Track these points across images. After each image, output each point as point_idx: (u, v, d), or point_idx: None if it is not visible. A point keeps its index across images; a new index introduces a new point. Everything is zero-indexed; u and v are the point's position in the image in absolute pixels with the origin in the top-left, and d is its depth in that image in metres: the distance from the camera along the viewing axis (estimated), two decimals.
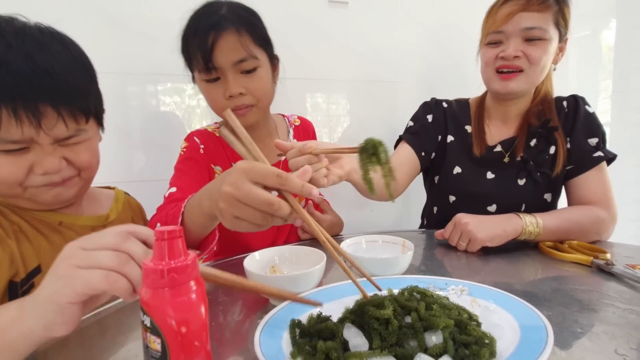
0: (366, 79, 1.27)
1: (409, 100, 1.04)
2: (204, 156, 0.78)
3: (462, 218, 0.72)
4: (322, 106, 1.24)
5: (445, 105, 0.98)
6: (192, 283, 0.28)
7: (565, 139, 0.83)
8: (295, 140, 0.90)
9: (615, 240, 0.77)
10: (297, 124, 0.93)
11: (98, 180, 0.65)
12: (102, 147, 0.61)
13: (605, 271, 0.59)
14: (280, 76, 0.83)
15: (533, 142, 0.86)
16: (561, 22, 0.79)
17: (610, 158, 0.81)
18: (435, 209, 0.99)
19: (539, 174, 0.84)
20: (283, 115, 0.93)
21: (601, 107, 1.75)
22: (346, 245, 0.62)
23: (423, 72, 1.31)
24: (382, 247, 0.63)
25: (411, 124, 0.98)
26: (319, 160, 0.56)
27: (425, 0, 1.28)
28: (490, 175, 0.89)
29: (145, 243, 0.37)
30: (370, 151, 0.48)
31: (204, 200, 0.50)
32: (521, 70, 0.79)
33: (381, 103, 1.30)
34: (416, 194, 1.13)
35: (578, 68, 1.67)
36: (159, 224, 0.58)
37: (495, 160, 0.88)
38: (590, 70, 1.72)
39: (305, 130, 0.94)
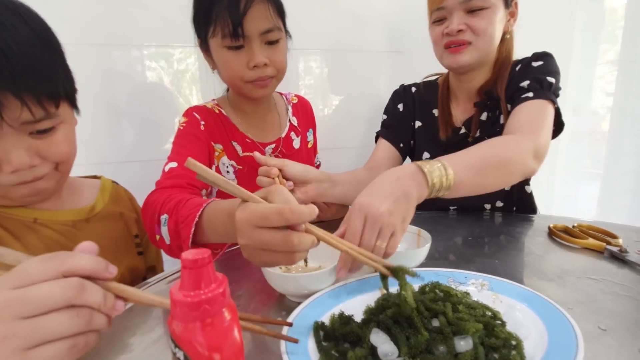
0: (372, 49, 1.20)
1: (415, 71, 0.99)
2: (204, 132, 0.74)
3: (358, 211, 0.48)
4: (324, 78, 1.18)
5: (413, 90, 0.96)
6: (225, 310, 0.26)
7: (506, 105, 0.80)
8: (294, 118, 0.89)
9: (612, 211, 0.76)
10: (294, 101, 0.92)
11: (83, 162, 0.60)
12: (87, 126, 0.55)
13: (619, 258, 0.59)
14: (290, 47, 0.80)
15: (484, 116, 0.84)
16: None
17: (553, 105, 0.71)
18: None
19: None
20: (280, 93, 0.92)
21: (599, 73, 1.70)
22: None
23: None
24: None
25: (385, 117, 0.98)
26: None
27: None
28: None
29: (89, 277, 0.29)
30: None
31: (219, 227, 0.48)
32: (469, 43, 0.76)
33: (387, 75, 1.24)
34: None
35: (583, 29, 1.61)
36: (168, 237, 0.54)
37: (460, 142, 0.87)
38: (593, 34, 1.64)
39: (303, 108, 0.93)
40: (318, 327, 0.41)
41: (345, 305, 0.46)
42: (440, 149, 0.89)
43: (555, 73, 0.76)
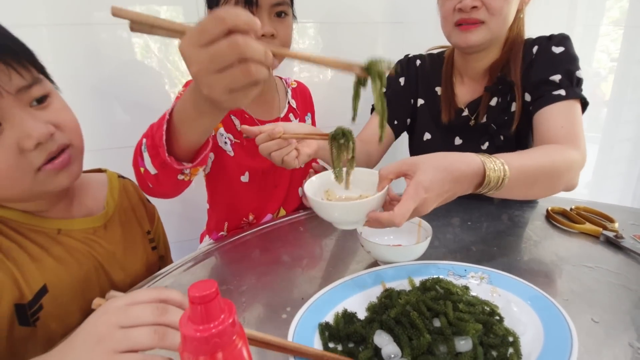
0: (369, 20, 1.14)
1: (417, 44, 0.95)
2: None
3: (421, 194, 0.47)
4: (318, 52, 1.12)
5: (418, 63, 0.91)
6: (235, 337, 0.27)
7: (523, 92, 0.76)
8: (294, 100, 0.89)
9: (607, 178, 0.75)
10: (293, 86, 0.92)
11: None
12: (80, 111, 0.53)
13: (615, 244, 0.61)
14: None
15: (494, 102, 0.80)
16: None
17: (581, 101, 0.70)
18: None
19: (502, 137, 0.79)
20: (280, 78, 0.92)
21: (603, 32, 1.64)
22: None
23: (431, 11, 1.18)
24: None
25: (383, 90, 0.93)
26: (289, 143, 0.59)
27: None
28: (458, 141, 0.86)
29: (180, 306, 0.36)
30: (340, 139, 0.52)
31: (187, 94, 0.44)
32: (482, 22, 0.71)
33: (386, 48, 1.19)
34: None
35: None
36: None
37: (462, 124, 0.84)
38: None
39: (302, 93, 0.93)
40: (323, 329, 0.42)
41: (348, 303, 0.47)
42: (441, 131, 0.87)
43: (578, 61, 0.73)
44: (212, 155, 0.77)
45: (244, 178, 0.81)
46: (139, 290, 0.36)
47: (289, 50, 0.61)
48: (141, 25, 0.35)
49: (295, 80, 0.94)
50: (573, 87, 0.70)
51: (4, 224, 0.49)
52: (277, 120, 0.84)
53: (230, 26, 0.33)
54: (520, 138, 0.79)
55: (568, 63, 0.72)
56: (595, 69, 1.68)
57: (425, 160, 0.49)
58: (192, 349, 0.25)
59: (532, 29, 0.80)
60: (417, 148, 0.93)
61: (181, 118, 0.47)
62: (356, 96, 0.48)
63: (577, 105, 0.70)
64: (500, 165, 0.51)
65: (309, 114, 0.93)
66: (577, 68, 0.71)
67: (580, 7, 1.55)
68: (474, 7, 0.70)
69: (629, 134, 1.90)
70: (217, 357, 0.26)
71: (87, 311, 0.36)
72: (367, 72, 0.43)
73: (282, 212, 0.88)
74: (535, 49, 0.76)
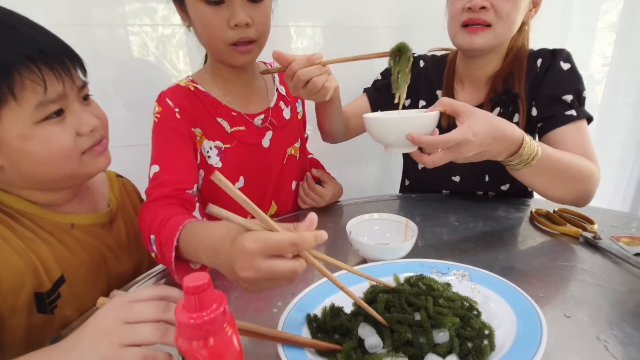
0: (372, 25, 1.16)
1: (421, 50, 0.97)
2: (181, 121, 0.68)
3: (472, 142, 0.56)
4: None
5: (422, 64, 0.92)
6: (225, 325, 0.29)
7: (528, 105, 0.78)
8: (282, 87, 0.84)
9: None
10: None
11: None
12: None
13: (592, 245, 0.64)
14: (274, 24, 0.74)
15: (496, 112, 0.81)
16: None
17: (586, 119, 0.74)
18: (408, 171, 1.01)
19: None
20: (265, 63, 0.86)
21: (598, 44, 1.67)
22: (352, 225, 0.64)
23: (431, 17, 1.20)
24: (386, 225, 0.65)
25: (379, 77, 0.95)
26: (326, 71, 0.62)
27: None
28: None
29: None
30: (396, 53, 0.61)
31: (202, 257, 0.48)
32: (488, 25, 0.73)
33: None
34: None
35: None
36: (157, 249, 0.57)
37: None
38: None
39: None
40: (311, 320, 0.45)
41: (336, 298, 0.50)
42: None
43: (582, 79, 0.76)
44: (202, 172, 0.73)
45: (238, 184, 0.77)
46: (142, 288, 0.39)
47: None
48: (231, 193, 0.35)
49: None
50: (582, 106, 0.74)
51: (24, 216, 0.53)
52: (267, 111, 0.79)
53: (301, 251, 0.37)
54: None
55: (577, 82, 0.75)
56: (591, 72, 1.72)
57: (479, 112, 0.57)
58: (186, 334, 0.28)
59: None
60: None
61: (187, 253, 0.51)
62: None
63: (586, 124, 0.74)
64: (535, 145, 0.60)
65: (299, 101, 0.89)
66: (584, 88, 0.75)
67: (575, 12, 1.57)
68: (483, 8, 0.71)
69: (619, 137, 1.94)
70: (208, 342, 0.28)
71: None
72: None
73: (274, 206, 0.85)
74: (539, 62, 0.78)
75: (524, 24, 0.77)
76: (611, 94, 1.77)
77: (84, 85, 0.55)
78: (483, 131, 0.55)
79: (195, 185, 0.68)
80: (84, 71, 0.55)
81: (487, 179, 0.86)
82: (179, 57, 1.02)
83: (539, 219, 0.73)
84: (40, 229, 0.53)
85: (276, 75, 0.84)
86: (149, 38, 0.97)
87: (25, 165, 0.49)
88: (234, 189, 0.34)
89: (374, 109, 0.92)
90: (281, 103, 0.82)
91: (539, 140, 0.77)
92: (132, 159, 0.83)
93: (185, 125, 0.69)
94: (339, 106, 0.80)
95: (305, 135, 0.96)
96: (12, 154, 0.48)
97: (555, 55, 0.77)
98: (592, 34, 1.63)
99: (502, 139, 0.57)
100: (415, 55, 0.93)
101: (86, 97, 0.56)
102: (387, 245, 0.58)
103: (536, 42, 0.82)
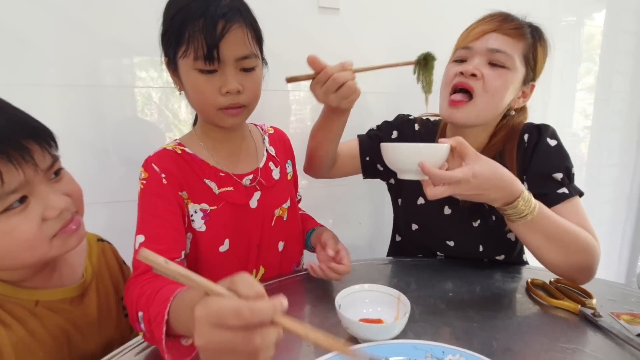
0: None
1: (403, 112, 1.01)
2: (167, 187, 0.67)
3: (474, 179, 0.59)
4: (308, 119, 1.19)
5: (416, 127, 0.94)
6: None
7: (520, 180, 0.74)
8: (272, 147, 0.85)
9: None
10: (270, 132, 0.88)
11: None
12: (78, 166, 0.58)
13: (592, 322, 0.61)
14: (265, 87, 0.76)
15: None
16: (531, 60, 0.75)
17: (578, 194, 0.74)
18: (400, 231, 0.99)
19: (494, 217, 0.81)
20: (255, 124, 0.88)
21: (578, 104, 1.75)
22: (341, 297, 0.61)
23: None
24: (377, 298, 0.63)
25: (374, 128, 0.98)
26: (354, 77, 0.68)
27: (419, 5, 1.22)
28: (447, 210, 0.86)
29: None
30: (423, 62, 0.70)
31: (182, 324, 0.45)
32: (471, 97, 0.74)
33: (375, 116, 1.25)
34: None
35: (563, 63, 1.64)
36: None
37: (451, 197, 0.84)
38: (573, 59, 1.69)
39: (280, 139, 0.88)
40: None
41: None
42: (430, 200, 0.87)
43: (569, 156, 0.77)
44: (189, 234, 0.71)
45: (223, 247, 0.74)
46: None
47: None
48: (163, 273, 0.34)
49: (271, 127, 0.90)
50: (572, 183, 0.75)
51: None
52: (256, 171, 0.78)
53: (251, 324, 0.33)
54: None
55: (565, 159, 0.76)
56: (574, 130, 1.79)
57: (485, 158, 0.61)
58: None
59: None
60: (410, 209, 0.92)
61: (178, 327, 0.47)
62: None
63: (579, 200, 0.74)
64: (534, 203, 0.63)
65: (289, 162, 0.88)
66: (572, 164, 0.76)
67: (554, 79, 1.67)
68: (474, 75, 0.73)
69: (608, 196, 1.97)
70: None
71: None
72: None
73: (262, 269, 0.81)
74: (526, 137, 0.79)
75: (510, 109, 0.79)
76: (595, 153, 1.83)
77: (54, 161, 0.51)
78: (484, 175, 0.59)
79: (183, 252, 0.66)
80: (55, 144, 0.52)
81: (481, 249, 0.85)
82: (181, 111, 1.04)
83: (535, 290, 0.71)
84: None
85: (266, 136, 0.85)
86: (155, 92, 0.99)
87: None
88: (166, 265, 0.32)
89: (362, 154, 0.94)
90: (270, 163, 0.82)
91: None
92: (123, 215, 0.81)
93: (171, 190, 0.67)
94: (344, 124, 0.81)
95: (298, 198, 0.95)
96: None
97: (541, 132, 0.78)
98: (572, 94, 1.72)
99: (501, 186, 0.61)
100: (410, 117, 0.97)
101: (58, 172, 0.52)
102: (378, 324, 0.55)
103: None
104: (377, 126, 0.98)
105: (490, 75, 0.73)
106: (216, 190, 0.73)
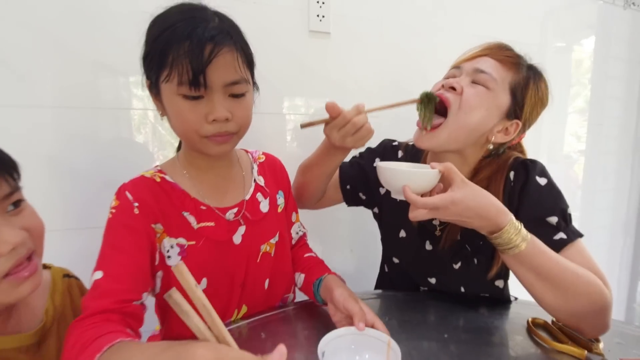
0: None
1: (395, 138, 0.98)
2: (138, 217, 0.61)
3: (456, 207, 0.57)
4: (300, 144, 1.15)
5: (400, 154, 0.90)
6: None
7: None
8: (261, 177, 0.79)
9: None
10: (261, 160, 0.82)
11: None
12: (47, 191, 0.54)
13: None
14: (256, 111, 0.73)
15: None
16: (519, 94, 0.70)
17: (579, 237, 0.66)
18: (389, 259, 0.93)
19: (476, 260, 0.74)
20: (246, 151, 0.82)
21: (570, 126, 1.74)
22: (325, 342, 0.55)
23: (409, 107, 1.26)
24: (365, 343, 0.57)
25: (357, 156, 0.94)
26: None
27: (411, 31, 1.22)
28: (428, 246, 0.81)
29: None
30: (426, 100, 0.72)
31: None
32: (442, 123, 0.70)
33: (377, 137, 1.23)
34: None
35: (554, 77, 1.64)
36: None
37: (430, 231, 0.79)
38: (563, 80, 1.68)
39: (271, 167, 0.82)
40: None
41: None
42: (414, 231, 0.82)
43: (562, 194, 0.69)
44: (160, 272, 0.65)
45: (201, 286, 0.66)
46: None
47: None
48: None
49: (264, 153, 0.83)
50: (569, 226, 0.67)
51: None
52: (241, 204, 0.72)
53: None
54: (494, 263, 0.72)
55: (558, 200, 0.68)
56: (567, 152, 1.77)
57: (472, 187, 0.59)
58: None
59: None
60: (391, 242, 0.89)
61: None
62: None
63: (581, 242, 0.66)
64: (523, 235, 0.58)
65: (280, 192, 0.81)
66: (567, 205, 0.68)
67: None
68: (453, 89, 0.71)
69: (604, 221, 1.94)
70: None
71: None
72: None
73: (244, 308, 0.74)
74: (512, 175, 0.72)
75: (488, 141, 0.72)
76: (590, 178, 1.81)
77: (12, 192, 0.47)
78: (465, 204, 0.57)
79: (144, 294, 0.59)
80: (17, 174, 0.48)
81: (462, 290, 0.79)
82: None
83: (537, 332, 0.65)
84: None
85: (255, 165, 0.79)
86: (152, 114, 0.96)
87: None
88: (195, 289, 0.31)
89: (342, 183, 0.91)
90: (258, 195, 0.76)
91: None
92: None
93: (143, 221, 0.61)
94: (343, 159, 0.81)
95: (302, 233, 0.88)
96: None
97: (528, 170, 0.70)
98: (564, 118, 1.71)
99: (485, 216, 0.58)
100: (395, 144, 0.94)
101: (17, 204, 0.48)
102: None
103: None
104: (360, 153, 0.95)
105: (469, 92, 0.69)
106: (195, 224, 0.66)
